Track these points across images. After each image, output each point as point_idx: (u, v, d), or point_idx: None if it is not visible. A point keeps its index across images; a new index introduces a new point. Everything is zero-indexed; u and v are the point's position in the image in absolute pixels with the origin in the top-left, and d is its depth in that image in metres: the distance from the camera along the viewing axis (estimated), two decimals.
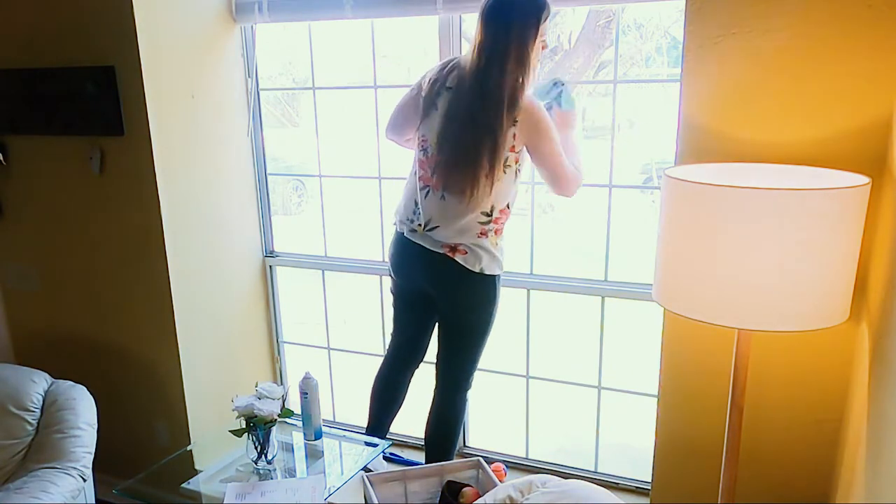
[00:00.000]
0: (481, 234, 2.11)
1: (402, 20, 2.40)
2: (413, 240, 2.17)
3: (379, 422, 2.50)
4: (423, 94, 2.15)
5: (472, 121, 2.02)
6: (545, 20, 2.00)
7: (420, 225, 2.16)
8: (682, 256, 1.44)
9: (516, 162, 2.07)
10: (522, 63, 1.99)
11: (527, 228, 2.48)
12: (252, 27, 2.62)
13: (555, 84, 2.14)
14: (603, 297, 2.38)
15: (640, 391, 2.46)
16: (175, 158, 2.41)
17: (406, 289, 2.33)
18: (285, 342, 3.00)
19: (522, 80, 1.99)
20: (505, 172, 2.06)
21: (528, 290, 2.52)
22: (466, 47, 2.10)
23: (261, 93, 2.72)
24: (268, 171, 2.82)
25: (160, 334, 2.51)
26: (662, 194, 1.50)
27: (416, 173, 2.20)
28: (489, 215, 2.10)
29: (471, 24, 2.11)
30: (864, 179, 1.39)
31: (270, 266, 2.89)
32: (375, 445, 2.34)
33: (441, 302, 2.24)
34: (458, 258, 2.11)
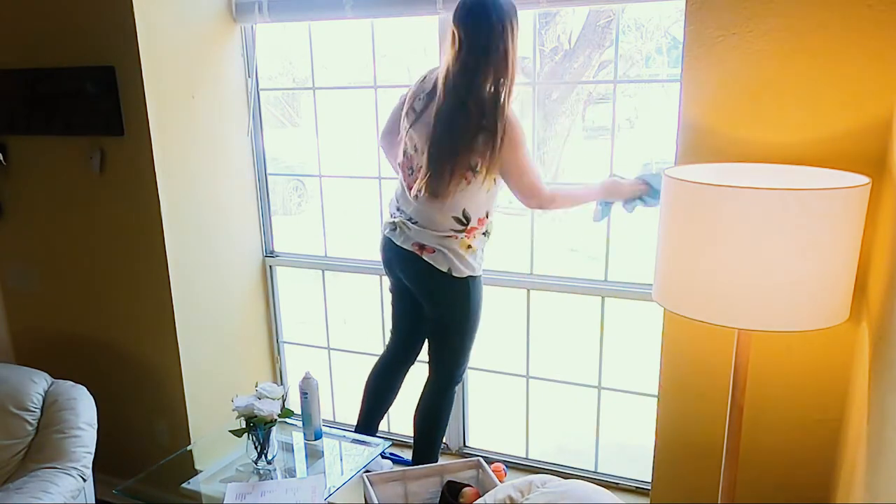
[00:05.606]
0: (451, 237, 2.14)
1: (402, 20, 2.40)
2: (391, 238, 2.24)
3: (370, 417, 2.53)
4: (406, 102, 2.20)
5: (448, 125, 2.04)
6: (517, 24, 1.98)
7: (397, 223, 2.22)
8: (682, 256, 1.44)
9: (486, 169, 2.05)
10: (502, 66, 1.98)
11: (527, 228, 2.48)
12: (252, 27, 2.62)
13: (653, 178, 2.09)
14: (603, 297, 2.38)
15: (640, 391, 2.46)
16: (175, 158, 2.41)
17: (395, 286, 2.40)
18: (285, 342, 3.00)
19: (503, 83, 1.99)
20: (475, 176, 2.06)
21: (528, 290, 2.52)
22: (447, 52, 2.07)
23: (261, 93, 2.72)
24: (268, 171, 2.82)
25: (160, 334, 2.51)
26: (662, 194, 1.50)
27: (399, 174, 2.27)
28: (464, 224, 2.13)
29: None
30: (864, 179, 1.39)
31: (270, 266, 2.89)
32: (375, 445, 2.34)
33: (419, 298, 2.30)
34: (426, 257, 2.15)
